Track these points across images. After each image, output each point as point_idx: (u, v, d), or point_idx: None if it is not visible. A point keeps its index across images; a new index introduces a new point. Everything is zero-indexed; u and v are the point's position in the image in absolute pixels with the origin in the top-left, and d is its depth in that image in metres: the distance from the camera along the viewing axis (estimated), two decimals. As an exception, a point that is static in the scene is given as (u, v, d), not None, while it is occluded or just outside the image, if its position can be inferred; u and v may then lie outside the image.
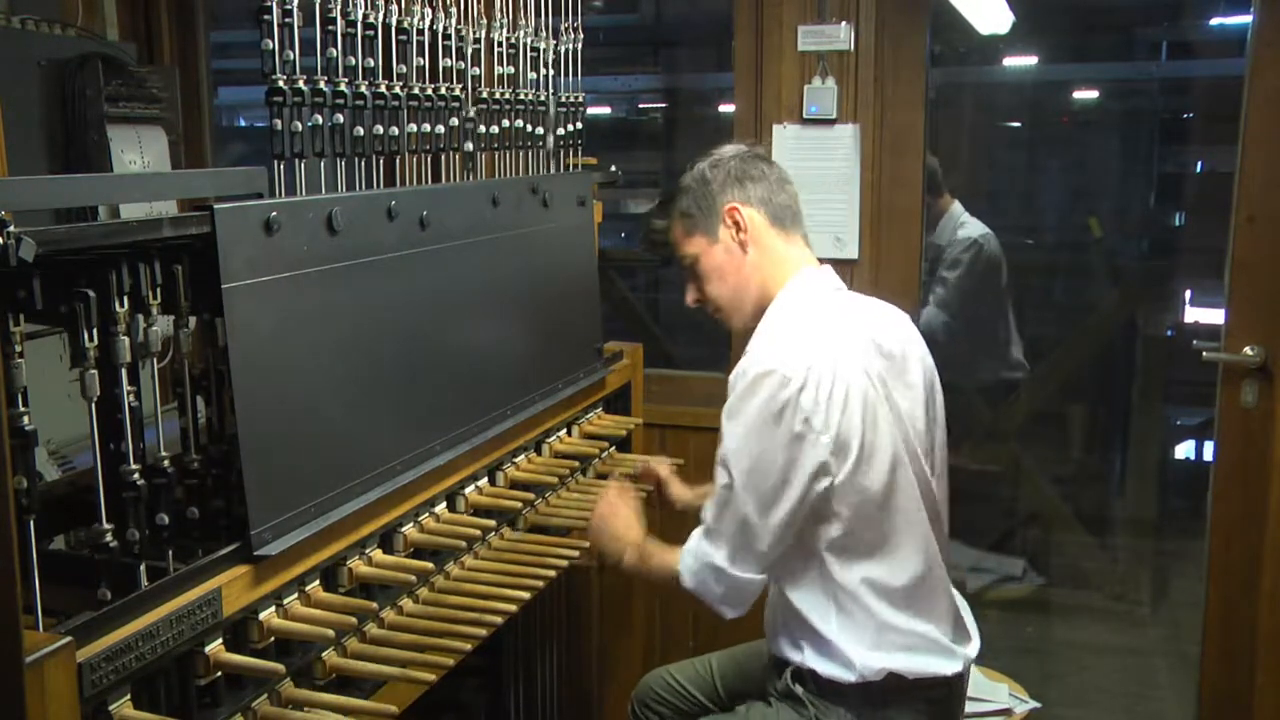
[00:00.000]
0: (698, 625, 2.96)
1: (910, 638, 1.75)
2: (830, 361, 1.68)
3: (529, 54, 2.12)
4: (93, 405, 1.25)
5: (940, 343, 3.44)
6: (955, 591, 1.88)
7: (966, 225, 3.72)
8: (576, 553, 1.87)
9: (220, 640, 1.30)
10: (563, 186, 2.20)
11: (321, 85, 1.54)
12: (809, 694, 1.79)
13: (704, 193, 1.87)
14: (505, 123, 2.03)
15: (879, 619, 1.73)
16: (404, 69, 1.73)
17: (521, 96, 2.09)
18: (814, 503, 1.69)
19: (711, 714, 2.02)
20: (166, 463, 1.34)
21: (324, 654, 1.45)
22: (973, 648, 1.85)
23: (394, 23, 1.69)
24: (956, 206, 3.75)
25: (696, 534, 1.80)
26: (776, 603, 1.84)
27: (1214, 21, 5.26)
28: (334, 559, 1.49)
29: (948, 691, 1.81)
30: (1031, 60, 5.38)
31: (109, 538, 1.27)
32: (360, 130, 1.63)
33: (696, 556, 1.78)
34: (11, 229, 1.04)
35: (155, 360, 1.32)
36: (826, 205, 2.71)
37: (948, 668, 1.77)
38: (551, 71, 2.19)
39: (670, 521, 2.16)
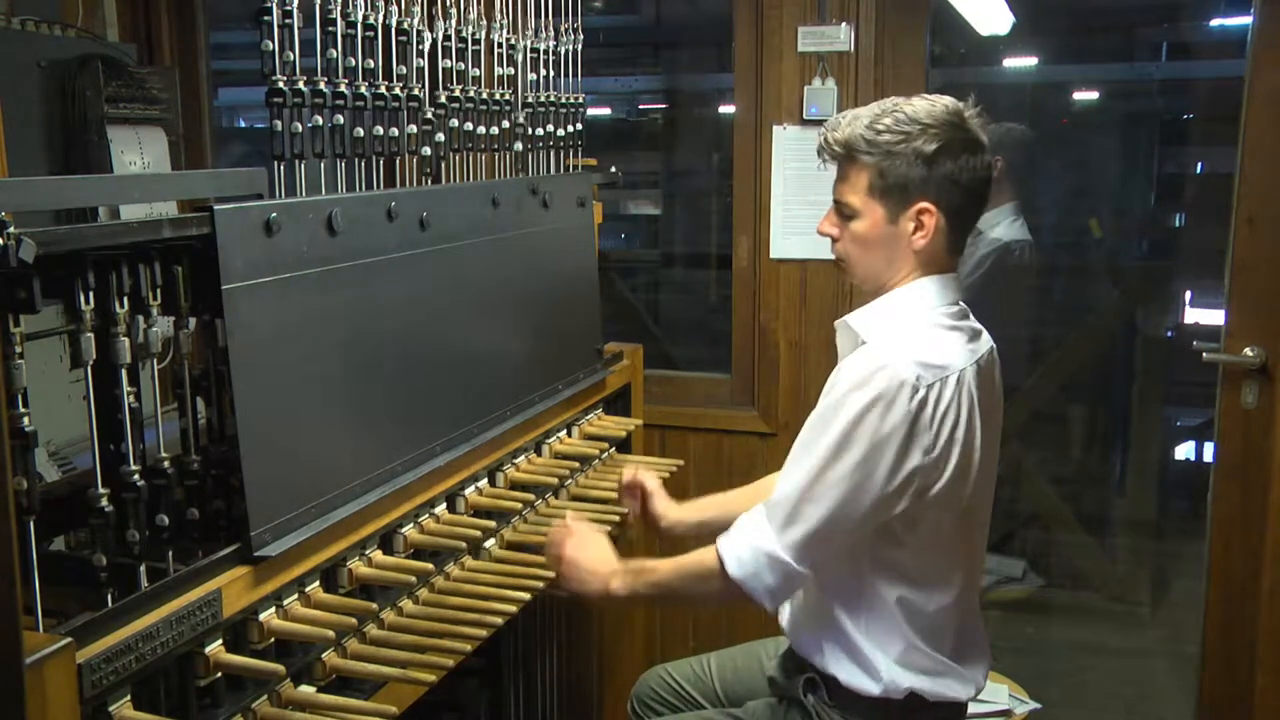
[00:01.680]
0: (697, 625, 2.96)
1: (933, 662, 1.73)
2: (953, 382, 1.62)
3: (529, 55, 2.12)
4: (92, 405, 1.25)
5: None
6: (980, 618, 1.86)
7: (1000, 226, 3.64)
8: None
9: (220, 641, 1.30)
10: (563, 187, 2.20)
11: (321, 86, 1.54)
12: (819, 704, 1.77)
13: (911, 175, 1.65)
14: (505, 123, 2.03)
15: (907, 639, 1.71)
16: (404, 70, 1.73)
17: (522, 98, 2.09)
18: (898, 515, 1.63)
19: (715, 709, 2.02)
20: (166, 464, 1.35)
21: (324, 655, 1.45)
22: (984, 675, 1.84)
23: (394, 24, 1.69)
24: (1011, 205, 3.65)
25: (753, 523, 1.68)
26: (805, 599, 1.81)
27: (1214, 22, 5.26)
28: (334, 560, 1.49)
29: (958, 712, 1.80)
30: (1031, 61, 5.37)
31: (110, 533, 1.27)
32: (360, 131, 1.63)
33: (752, 546, 1.67)
34: (11, 230, 1.04)
35: (155, 361, 1.32)
36: (826, 206, 2.70)
37: (963, 692, 1.77)
38: (552, 72, 2.20)
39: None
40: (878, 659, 1.71)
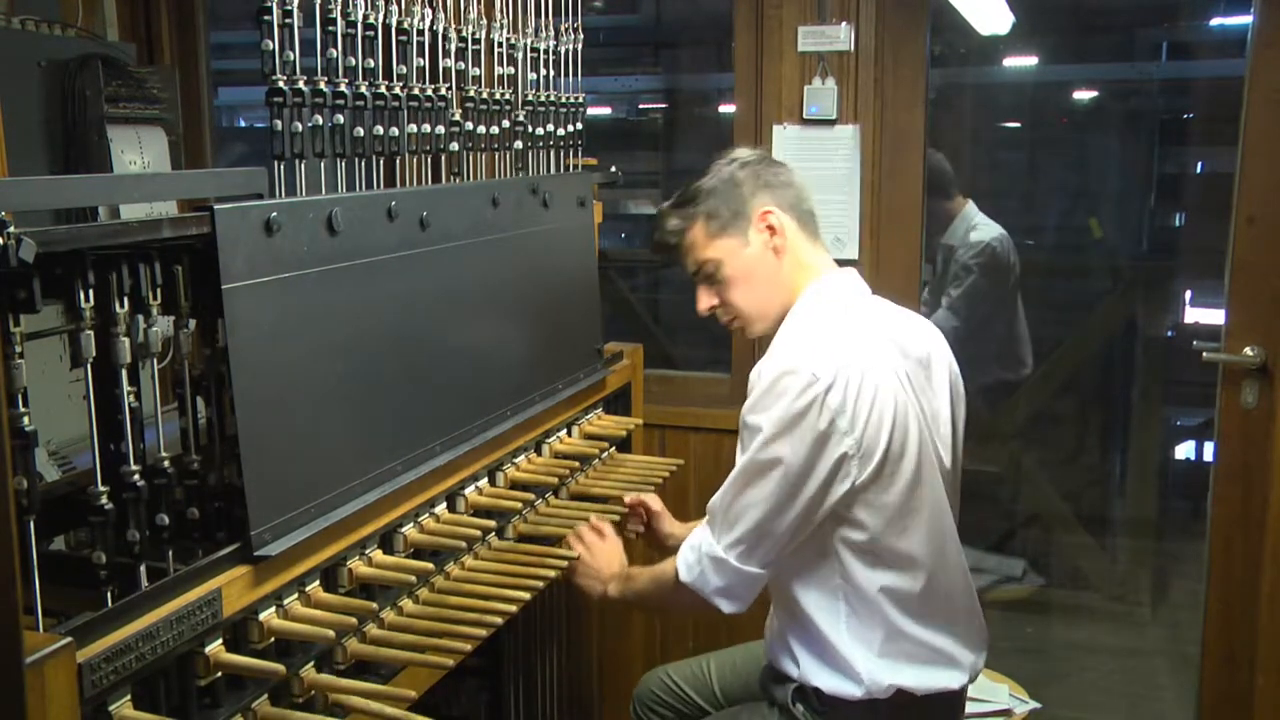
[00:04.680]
0: (697, 626, 2.96)
1: (921, 649, 1.73)
2: (859, 362, 1.65)
3: (529, 54, 2.12)
4: (92, 405, 1.25)
5: (950, 346, 3.43)
6: (974, 595, 1.86)
7: (979, 228, 3.68)
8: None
9: (220, 641, 1.30)
10: (563, 187, 2.20)
11: (322, 86, 1.54)
12: (808, 712, 1.77)
13: (734, 194, 1.80)
14: (505, 123, 2.04)
15: (891, 625, 1.71)
16: (404, 69, 1.73)
17: (523, 97, 2.10)
18: (834, 505, 1.66)
19: (708, 716, 2.02)
20: (166, 463, 1.35)
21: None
22: (981, 658, 1.83)
23: (394, 23, 1.69)
24: (970, 208, 3.70)
25: (699, 529, 1.78)
26: (781, 606, 1.81)
27: (1214, 22, 5.27)
28: (334, 559, 1.49)
29: (953, 702, 1.80)
30: (1032, 61, 5.38)
31: (109, 534, 1.27)
32: (360, 131, 1.63)
33: (696, 549, 1.75)
34: (11, 229, 1.04)
35: (155, 361, 1.32)
36: (826, 206, 2.70)
37: (955, 681, 1.76)
38: (552, 72, 2.20)
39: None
40: (856, 658, 1.70)
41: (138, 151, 2.33)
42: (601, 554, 1.96)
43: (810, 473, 1.64)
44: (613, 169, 2.47)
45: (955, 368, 1.85)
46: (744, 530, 1.69)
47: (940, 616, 1.75)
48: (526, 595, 1.68)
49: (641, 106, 5.97)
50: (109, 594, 1.27)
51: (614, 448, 2.31)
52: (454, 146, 1.88)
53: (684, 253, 1.87)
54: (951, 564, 1.78)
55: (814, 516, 1.67)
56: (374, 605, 1.52)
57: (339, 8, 1.56)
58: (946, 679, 1.75)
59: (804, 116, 2.73)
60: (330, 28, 1.56)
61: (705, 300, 1.87)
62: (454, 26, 1.84)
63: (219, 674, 1.30)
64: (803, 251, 1.81)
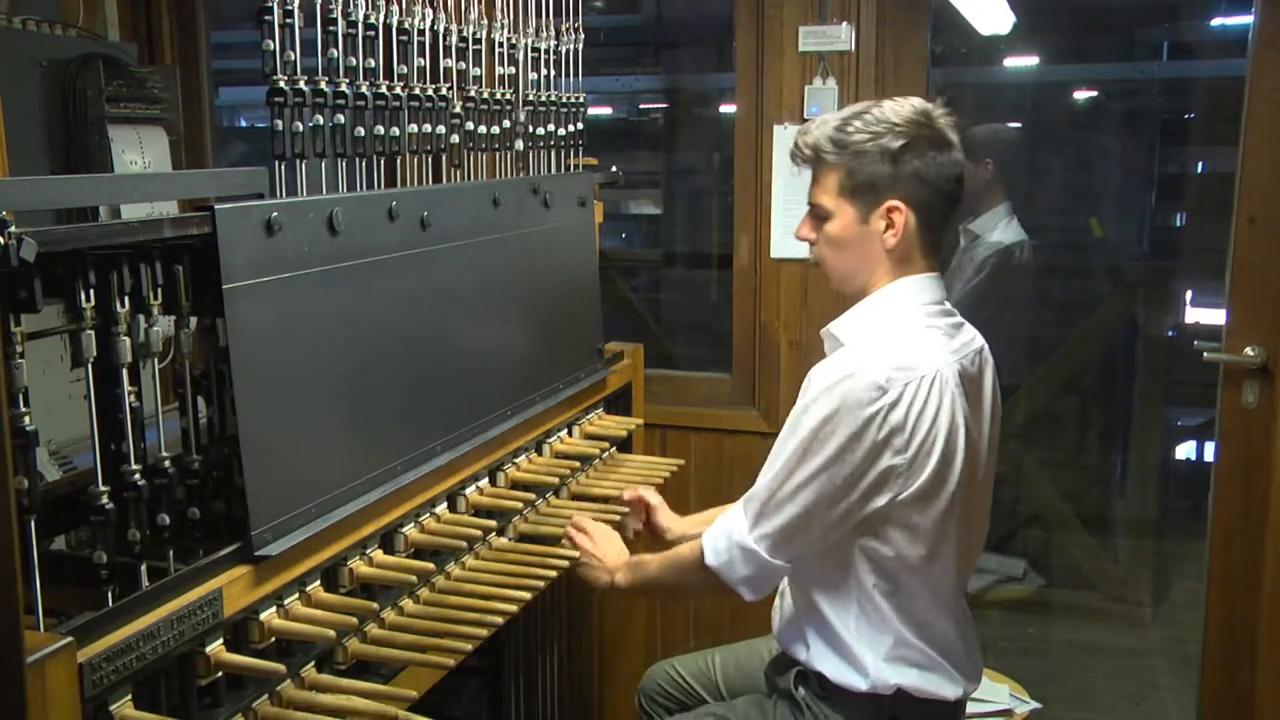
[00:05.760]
0: (698, 625, 2.96)
1: (923, 656, 1.73)
2: (928, 383, 1.63)
3: (530, 54, 2.12)
4: (93, 405, 1.25)
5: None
6: (972, 632, 1.86)
7: (1003, 228, 3.68)
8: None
9: (221, 640, 1.30)
10: (564, 187, 2.20)
11: (322, 85, 1.54)
12: (810, 697, 1.78)
13: (879, 172, 1.67)
14: (505, 123, 2.04)
15: (897, 634, 1.71)
16: (405, 69, 1.73)
17: (523, 97, 2.10)
18: (870, 515, 1.65)
19: (705, 705, 2.03)
20: (167, 463, 1.35)
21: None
22: (975, 685, 1.83)
23: (395, 23, 1.69)
24: (1005, 207, 3.68)
25: (732, 514, 1.75)
26: (799, 594, 1.81)
27: (1215, 22, 5.26)
28: (335, 559, 1.49)
29: (950, 712, 1.80)
30: (1032, 61, 5.37)
31: (110, 532, 1.27)
32: (361, 131, 1.63)
33: (728, 536, 1.73)
34: (12, 229, 1.04)
35: (156, 360, 1.32)
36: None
37: (952, 692, 1.76)
38: (552, 72, 2.20)
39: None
40: (865, 656, 1.71)
41: (138, 151, 2.34)
42: (605, 543, 1.95)
43: (858, 482, 1.63)
44: (613, 169, 2.47)
45: (998, 391, 1.82)
46: (779, 525, 1.68)
47: (940, 635, 1.76)
48: (527, 595, 1.68)
49: (642, 106, 5.96)
50: (110, 594, 1.27)
51: (615, 448, 2.31)
52: (455, 139, 1.88)
53: (810, 171, 1.77)
54: (960, 588, 1.79)
55: (849, 522, 1.67)
56: (374, 605, 1.52)
57: (340, 8, 1.56)
58: (946, 688, 1.76)
59: (805, 116, 2.73)
60: (331, 28, 1.56)
61: (806, 231, 1.78)
62: (455, 26, 1.84)
63: (219, 674, 1.30)
64: (911, 249, 1.72)
